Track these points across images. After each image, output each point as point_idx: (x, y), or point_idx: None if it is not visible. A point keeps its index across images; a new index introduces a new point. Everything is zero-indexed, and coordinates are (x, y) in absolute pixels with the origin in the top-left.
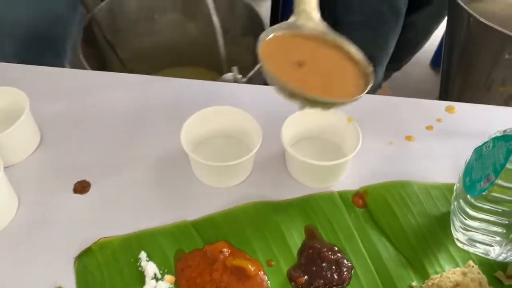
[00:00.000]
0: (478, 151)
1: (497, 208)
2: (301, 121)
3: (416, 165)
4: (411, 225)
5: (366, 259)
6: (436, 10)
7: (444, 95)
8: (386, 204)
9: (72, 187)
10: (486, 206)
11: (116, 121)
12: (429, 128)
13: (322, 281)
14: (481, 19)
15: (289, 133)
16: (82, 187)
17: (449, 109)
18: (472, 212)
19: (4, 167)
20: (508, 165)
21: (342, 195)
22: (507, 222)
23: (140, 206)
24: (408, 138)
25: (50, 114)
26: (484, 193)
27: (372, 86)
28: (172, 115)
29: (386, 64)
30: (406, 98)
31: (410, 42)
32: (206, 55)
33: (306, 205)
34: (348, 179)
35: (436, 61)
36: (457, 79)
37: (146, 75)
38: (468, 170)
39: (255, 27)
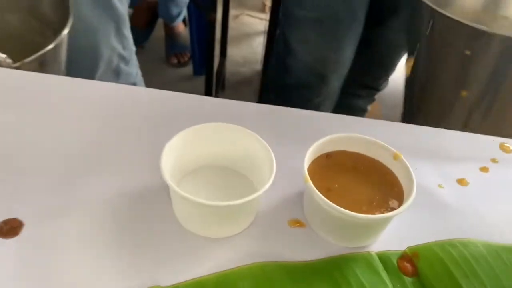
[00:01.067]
0: None
1: None
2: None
3: (476, 218)
4: None
5: None
6: (404, 23)
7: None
8: (447, 272)
9: None
10: None
11: (63, 141)
12: (484, 170)
13: None
14: (444, 13)
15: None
16: (9, 228)
17: (503, 148)
18: None
19: None
20: None
21: (383, 257)
22: None
23: (91, 263)
24: (461, 181)
25: None
26: None
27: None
28: (148, 134)
29: (363, 82)
30: (453, 132)
31: (382, 58)
32: None
33: (335, 270)
34: (389, 235)
35: None
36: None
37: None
38: None
39: None
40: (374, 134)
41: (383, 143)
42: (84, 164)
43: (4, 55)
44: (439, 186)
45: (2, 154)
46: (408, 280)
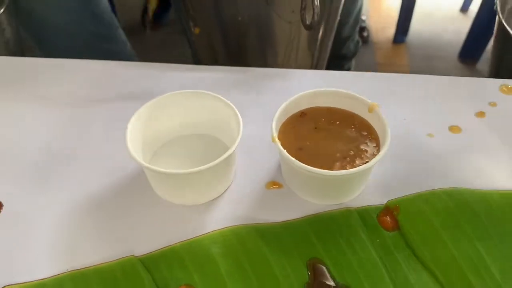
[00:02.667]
0: None
1: None
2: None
3: (466, 166)
4: (467, 253)
5: None
6: None
7: None
8: (428, 224)
9: None
10: None
11: (38, 123)
12: (480, 114)
13: None
14: None
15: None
16: None
17: (504, 89)
18: None
19: None
20: None
21: (363, 213)
22: None
23: (68, 236)
24: (453, 129)
25: None
26: None
27: None
28: (118, 108)
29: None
30: (447, 77)
31: None
32: None
33: (310, 230)
34: (371, 190)
35: (464, 53)
36: None
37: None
38: None
39: None
40: (358, 87)
41: (357, 95)
42: (61, 143)
43: None
44: (429, 135)
45: None
46: (388, 234)
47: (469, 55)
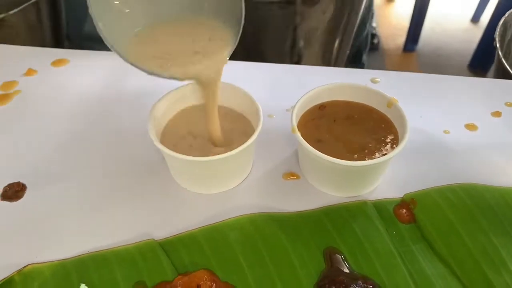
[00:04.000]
0: None
1: None
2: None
3: (481, 162)
4: (482, 247)
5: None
6: None
7: None
8: (444, 218)
9: (0, 191)
10: None
11: (63, 110)
12: (496, 114)
13: None
14: None
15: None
16: (14, 192)
17: None
18: None
19: None
20: None
21: (380, 206)
22: None
23: (89, 219)
24: (469, 126)
25: None
26: None
27: None
28: (139, 103)
29: None
30: (462, 77)
31: None
32: None
33: (327, 220)
34: (387, 184)
35: (474, 63)
36: None
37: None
38: None
39: None
40: (373, 85)
41: (377, 90)
42: (82, 131)
43: None
44: (445, 131)
45: (4, 121)
46: (404, 226)
47: (479, 65)
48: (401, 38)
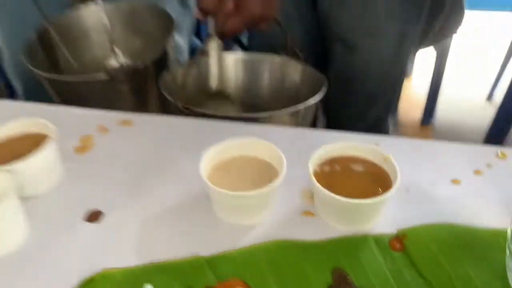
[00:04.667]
0: None
1: None
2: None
3: (463, 208)
4: (460, 275)
5: None
6: None
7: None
8: (428, 250)
9: (84, 215)
10: None
11: (133, 157)
12: (478, 172)
13: None
14: None
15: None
16: (94, 215)
17: (500, 155)
18: None
19: (22, 197)
20: None
21: (377, 238)
22: None
23: (152, 238)
24: (455, 181)
25: (68, 148)
26: None
27: None
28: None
29: None
30: (451, 143)
31: None
32: None
33: (334, 248)
34: (384, 221)
35: (489, 139)
36: None
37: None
38: None
39: None
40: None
41: (376, 147)
42: (146, 171)
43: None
44: (431, 183)
45: (85, 164)
46: (396, 254)
47: (493, 141)
48: (418, 112)
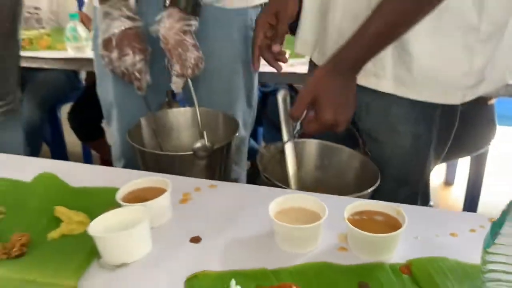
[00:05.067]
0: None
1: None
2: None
3: (455, 252)
4: None
5: None
6: None
7: None
8: (429, 274)
9: (189, 238)
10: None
11: (218, 206)
12: (473, 231)
13: None
14: None
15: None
16: (195, 239)
17: (492, 220)
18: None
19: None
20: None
21: (391, 266)
22: None
23: (234, 256)
24: (452, 234)
25: (175, 200)
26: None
27: None
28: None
29: None
30: (450, 211)
31: None
32: None
33: (361, 269)
34: (397, 255)
35: None
36: None
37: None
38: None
39: None
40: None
41: (392, 204)
42: (228, 214)
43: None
44: (436, 235)
45: (189, 208)
46: (405, 277)
47: None
48: None
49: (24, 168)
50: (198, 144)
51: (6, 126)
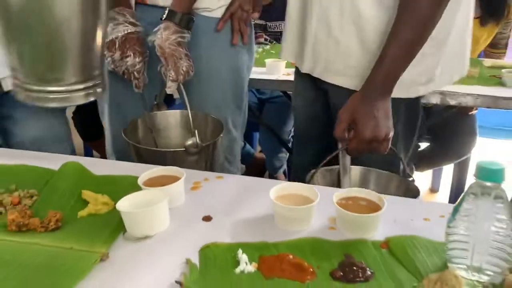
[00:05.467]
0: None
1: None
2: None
3: (429, 232)
4: (421, 261)
5: (383, 271)
6: None
7: None
8: (402, 247)
9: (201, 217)
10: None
11: (224, 191)
12: (442, 216)
13: (351, 276)
14: None
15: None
16: (207, 218)
17: None
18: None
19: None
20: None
21: (373, 242)
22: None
23: (240, 231)
24: (425, 219)
25: (188, 187)
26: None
27: None
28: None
29: None
30: (424, 202)
31: None
32: None
33: (347, 244)
34: (378, 234)
35: None
36: None
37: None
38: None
39: None
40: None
41: (375, 193)
42: (235, 197)
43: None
44: (411, 219)
45: (199, 194)
46: (384, 251)
47: None
48: None
49: (50, 160)
50: (189, 142)
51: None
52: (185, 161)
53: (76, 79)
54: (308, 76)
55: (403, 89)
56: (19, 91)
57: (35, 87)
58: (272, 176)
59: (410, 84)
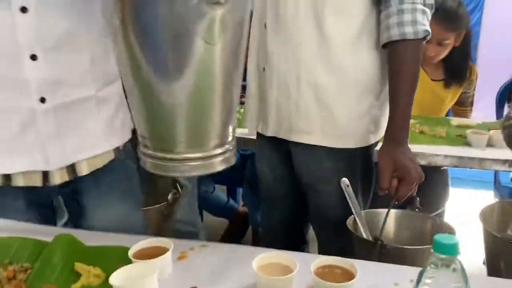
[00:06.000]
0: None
1: None
2: None
3: None
4: None
5: None
6: None
7: None
8: None
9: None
10: None
11: (207, 261)
12: (412, 281)
13: None
14: None
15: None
16: None
17: None
18: None
19: None
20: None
21: None
22: None
23: None
24: (396, 284)
25: (174, 257)
26: None
27: None
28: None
29: None
30: (395, 266)
31: None
32: None
33: None
34: None
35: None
36: None
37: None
38: None
39: None
40: None
41: (348, 260)
42: (213, 271)
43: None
44: (383, 284)
45: (186, 263)
46: None
47: None
48: None
49: (44, 233)
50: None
51: None
52: None
53: (216, 143)
54: (272, 141)
55: (358, 139)
56: (147, 161)
57: (169, 156)
58: (254, 230)
59: (362, 134)
